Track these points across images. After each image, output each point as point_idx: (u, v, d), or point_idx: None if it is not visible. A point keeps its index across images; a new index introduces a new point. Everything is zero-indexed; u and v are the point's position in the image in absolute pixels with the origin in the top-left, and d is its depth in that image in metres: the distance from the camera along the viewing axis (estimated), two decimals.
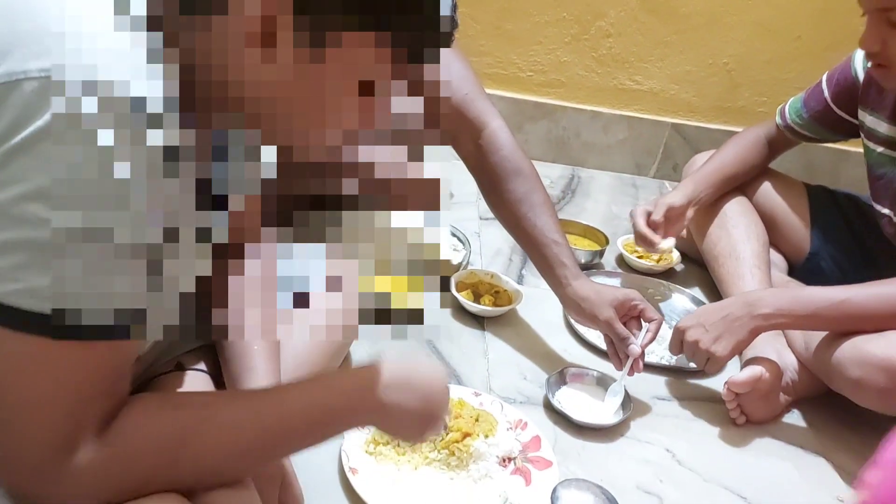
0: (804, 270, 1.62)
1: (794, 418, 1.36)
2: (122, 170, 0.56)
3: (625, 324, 1.26)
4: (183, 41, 0.60)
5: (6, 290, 0.56)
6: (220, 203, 0.62)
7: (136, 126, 0.56)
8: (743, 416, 1.31)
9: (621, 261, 1.81)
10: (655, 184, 2.35)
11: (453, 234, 1.72)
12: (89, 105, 0.55)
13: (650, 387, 1.37)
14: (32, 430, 0.60)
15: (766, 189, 1.66)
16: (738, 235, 1.57)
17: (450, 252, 1.65)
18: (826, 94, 1.54)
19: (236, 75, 0.61)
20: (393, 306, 0.74)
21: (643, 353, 1.26)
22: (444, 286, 1.50)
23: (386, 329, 0.74)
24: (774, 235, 1.63)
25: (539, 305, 1.52)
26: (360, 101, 0.63)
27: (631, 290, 1.30)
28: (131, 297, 0.59)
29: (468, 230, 1.76)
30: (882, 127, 1.42)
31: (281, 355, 0.98)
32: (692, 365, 1.37)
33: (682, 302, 1.66)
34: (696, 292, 1.71)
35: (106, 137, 0.55)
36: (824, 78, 1.56)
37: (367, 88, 0.62)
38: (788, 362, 1.35)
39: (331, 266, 0.76)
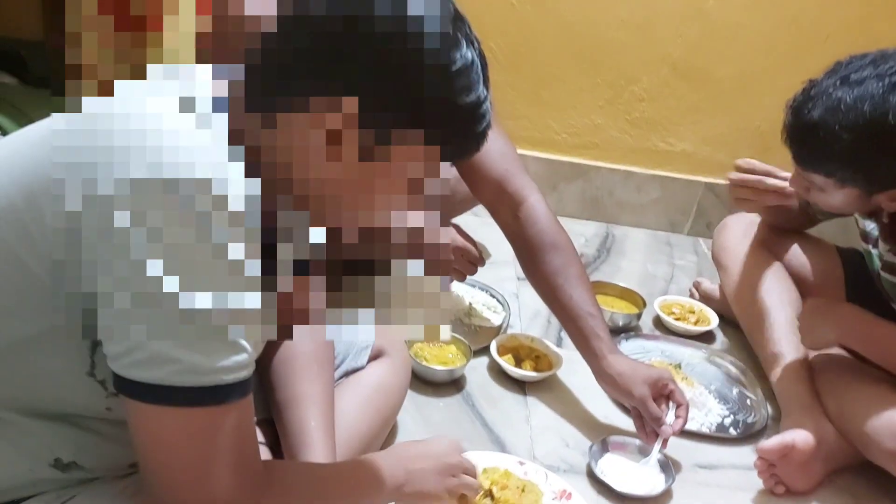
0: None
1: (835, 488, 1.37)
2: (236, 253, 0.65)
3: (655, 401, 1.29)
4: (265, 155, 0.69)
5: (165, 372, 0.65)
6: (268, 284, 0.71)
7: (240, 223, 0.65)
8: (781, 486, 1.32)
9: (658, 323, 1.84)
10: (690, 241, 2.38)
11: (492, 296, 1.76)
12: (203, 202, 0.62)
13: (692, 454, 1.39)
14: (215, 489, 0.70)
15: (798, 252, 1.67)
16: (771, 302, 1.59)
17: (490, 314, 1.70)
18: None
19: (306, 175, 0.71)
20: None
21: None
22: (486, 349, 1.55)
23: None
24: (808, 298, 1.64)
25: (579, 370, 1.53)
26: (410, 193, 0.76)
27: (664, 369, 1.34)
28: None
29: (506, 290, 1.80)
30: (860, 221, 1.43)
31: (336, 429, 1.04)
32: (732, 432, 1.38)
33: (719, 364, 1.68)
34: (734, 354, 1.73)
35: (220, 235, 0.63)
36: None
37: (416, 184, 0.75)
38: (827, 431, 1.36)
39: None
